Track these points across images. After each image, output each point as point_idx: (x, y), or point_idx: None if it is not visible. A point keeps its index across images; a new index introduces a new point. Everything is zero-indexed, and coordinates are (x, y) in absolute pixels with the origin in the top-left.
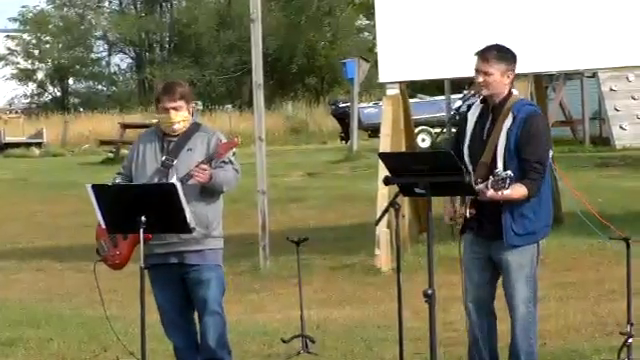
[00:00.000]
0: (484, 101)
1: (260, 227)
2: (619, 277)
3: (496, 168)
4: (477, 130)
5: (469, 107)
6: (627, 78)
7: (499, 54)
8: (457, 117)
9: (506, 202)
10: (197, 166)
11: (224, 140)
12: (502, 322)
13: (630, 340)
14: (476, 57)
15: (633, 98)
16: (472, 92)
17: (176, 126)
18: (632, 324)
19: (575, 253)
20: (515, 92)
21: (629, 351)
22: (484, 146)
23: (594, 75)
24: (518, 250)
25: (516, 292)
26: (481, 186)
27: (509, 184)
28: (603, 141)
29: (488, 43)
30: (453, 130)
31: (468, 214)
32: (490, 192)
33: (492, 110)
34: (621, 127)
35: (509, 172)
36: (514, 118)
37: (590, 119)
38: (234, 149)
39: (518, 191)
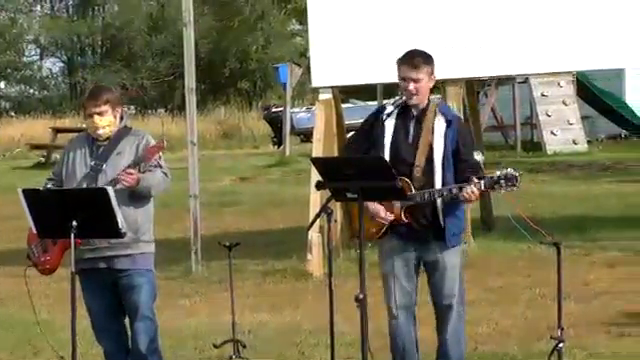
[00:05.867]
0: (402, 106)
1: (192, 231)
2: (550, 281)
3: (433, 171)
4: (400, 134)
5: (380, 112)
6: (558, 84)
7: (424, 59)
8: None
9: (447, 204)
10: (124, 170)
11: (153, 143)
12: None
13: (561, 345)
14: (400, 64)
15: (564, 104)
16: (404, 98)
17: (100, 131)
18: (563, 329)
19: (506, 258)
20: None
21: (560, 356)
22: (411, 150)
23: (526, 80)
24: (453, 251)
25: (452, 292)
26: (474, 189)
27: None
28: (535, 146)
29: (420, 48)
30: None
31: (404, 219)
32: (477, 192)
33: (416, 114)
34: (552, 132)
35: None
36: (448, 122)
37: (522, 124)
38: (160, 152)
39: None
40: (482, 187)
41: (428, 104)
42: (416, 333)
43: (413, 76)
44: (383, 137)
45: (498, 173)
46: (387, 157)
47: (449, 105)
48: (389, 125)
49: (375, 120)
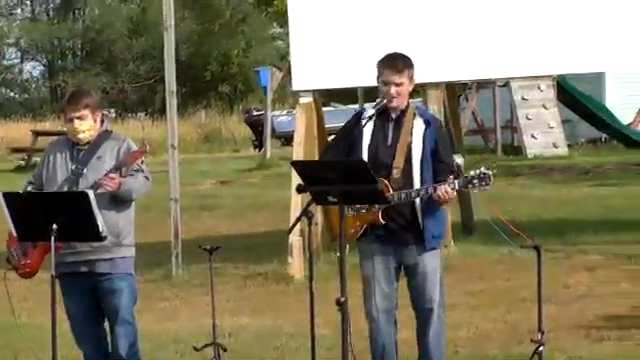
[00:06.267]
0: (381, 109)
1: (173, 235)
2: (530, 285)
3: (411, 172)
4: (379, 136)
5: (359, 115)
6: (539, 87)
7: (406, 62)
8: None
9: (426, 205)
10: (106, 174)
11: (134, 147)
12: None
13: (541, 348)
14: (381, 68)
15: (545, 107)
16: (385, 101)
17: (80, 135)
18: (543, 332)
19: (486, 261)
20: None
21: (540, 359)
22: (390, 151)
23: (506, 84)
24: (432, 253)
25: (433, 296)
26: (448, 188)
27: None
28: (515, 150)
29: (401, 52)
30: None
31: (381, 220)
32: (450, 191)
33: (395, 117)
34: (533, 136)
35: (486, 169)
36: (427, 122)
37: (502, 128)
38: (143, 157)
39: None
40: (456, 186)
41: (407, 106)
42: (396, 334)
43: (396, 80)
44: (361, 140)
45: (472, 172)
46: (365, 160)
47: (430, 108)
48: (368, 128)
49: (354, 123)
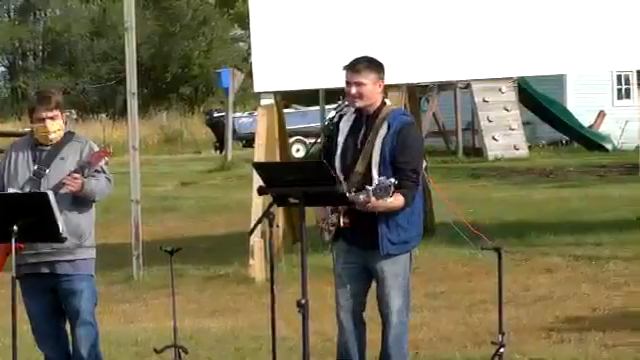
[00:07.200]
0: (357, 111)
1: (133, 236)
2: (490, 287)
3: (371, 177)
4: (350, 140)
5: (341, 117)
6: (500, 90)
7: (368, 64)
8: (331, 127)
9: (382, 211)
10: (69, 175)
11: (96, 149)
12: (371, 332)
13: (502, 350)
14: (345, 71)
15: (506, 109)
16: (346, 103)
17: (52, 135)
18: (503, 334)
19: (447, 263)
20: (387, 102)
21: None
22: (358, 155)
23: (467, 86)
24: (393, 259)
25: (390, 301)
26: (363, 196)
27: (393, 192)
28: (476, 152)
29: (362, 53)
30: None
31: (342, 223)
32: (373, 200)
33: (366, 120)
34: (494, 138)
35: (392, 180)
36: (389, 127)
37: (463, 130)
38: (106, 158)
39: (397, 200)
40: (370, 195)
41: (380, 110)
42: (362, 335)
43: (355, 80)
44: (337, 143)
45: (377, 183)
46: (338, 162)
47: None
48: (343, 131)
49: (334, 127)
